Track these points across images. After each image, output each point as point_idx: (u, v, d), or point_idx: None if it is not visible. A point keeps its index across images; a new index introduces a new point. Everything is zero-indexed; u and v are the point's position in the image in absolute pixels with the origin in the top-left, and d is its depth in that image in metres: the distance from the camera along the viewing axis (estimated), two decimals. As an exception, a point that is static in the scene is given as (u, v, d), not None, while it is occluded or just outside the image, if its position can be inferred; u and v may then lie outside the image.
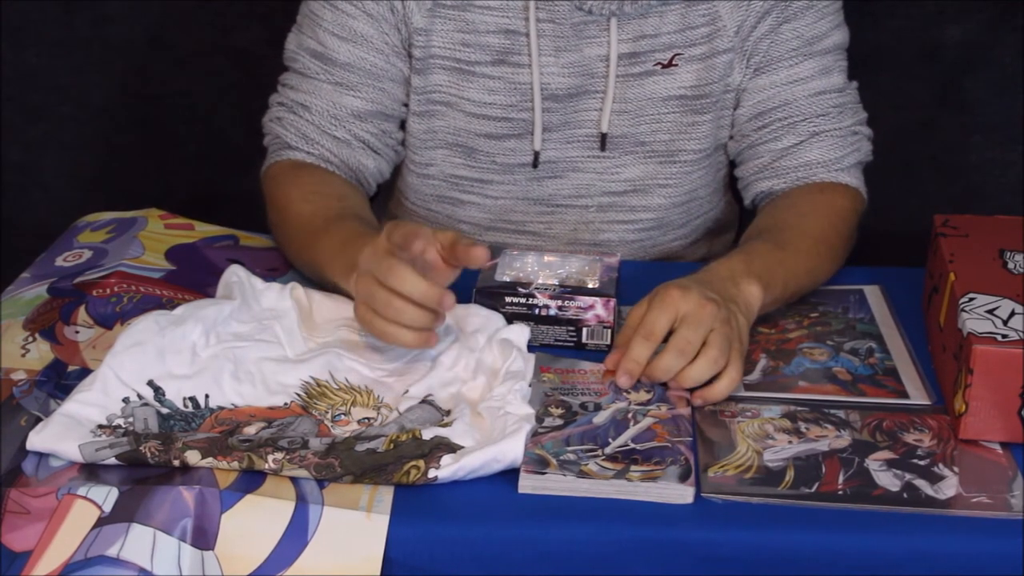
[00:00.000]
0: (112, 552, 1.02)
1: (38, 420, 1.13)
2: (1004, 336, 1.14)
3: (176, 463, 1.08)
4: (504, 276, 1.33)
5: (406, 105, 1.52)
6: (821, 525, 1.05)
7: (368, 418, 1.17)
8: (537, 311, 1.29)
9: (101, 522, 1.03)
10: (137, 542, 1.03)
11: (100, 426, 1.12)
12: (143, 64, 2.24)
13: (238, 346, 1.22)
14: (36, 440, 1.09)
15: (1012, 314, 1.17)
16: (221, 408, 1.17)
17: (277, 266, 1.43)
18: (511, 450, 1.09)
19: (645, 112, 1.50)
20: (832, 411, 1.20)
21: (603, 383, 1.22)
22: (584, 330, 1.29)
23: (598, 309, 1.29)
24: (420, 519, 1.05)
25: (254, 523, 1.04)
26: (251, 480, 1.07)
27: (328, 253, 1.31)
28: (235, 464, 1.08)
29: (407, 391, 1.20)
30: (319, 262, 1.33)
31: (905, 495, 1.08)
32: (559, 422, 1.16)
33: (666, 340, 1.20)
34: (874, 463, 1.12)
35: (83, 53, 2.23)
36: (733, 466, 1.11)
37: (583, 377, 1.23)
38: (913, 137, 2.20)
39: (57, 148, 2.30)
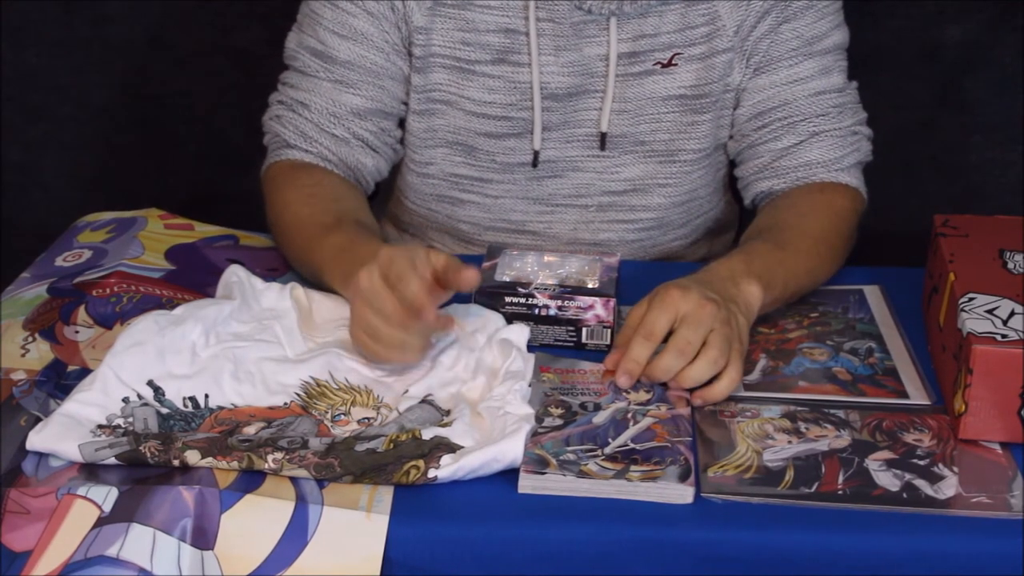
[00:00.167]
0: (112, 552, 1.02)
1: (38, 420, 1.13)
2: (1004, 336, 1.14)
3: (176, 463, 1.08)
4: (504, 276, 1.33)
5: (406, 104, 1.52)
6: (821, 525, 1.05)
7: (368, 418, 1.17)
8: (537, 311, 1.29)
9: (101, 522, 1.03)
10: (137, 542, 1.03)
11: (100, 426, 1.12)
12: (143, 64, 2.24)
13: (238, 346, 1.22)
14: (36, 440, 1.09)
15: (1012, 314, 1.17)
16: (221, 408, 1.17)
17: (277, 266, 1.43)
18: (511, 450, 1.09)
19: (645, 112, 1.50)
20: (832, 411, 1.20)
21: (603, 383, 1.22)
22: (584, 330, 1.29)
23: (598, 309, 1.29)
24: (420, 519, 1.05)
25: (254, 523, 1.04)
26: (251, 480, 1.07)
27: (326, 260, 1.31)
28: (235, 464, 1.08)
29: (407, 391, 1.20)
30: (317, 267, 1.33)
31: (905, 495, 1.08)
32: (559, 422, 1.16)
33: (666, 340, 1.20)
34: (874, 463, 1.12)
35: (83, 53, 2.23)
36: (733, 466, 1.11)
37: (583, 377, 1.23)
38: (913, 137, 2.20)
39: (57, 148, 2.30)
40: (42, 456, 1.10)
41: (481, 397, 1.18)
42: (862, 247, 1.49)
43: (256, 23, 2.18)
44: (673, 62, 1.49)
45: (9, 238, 2.27)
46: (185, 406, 1.16)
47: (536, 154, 1.51)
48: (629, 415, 1.17)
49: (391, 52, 1.48)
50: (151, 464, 1.08)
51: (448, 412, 1.17)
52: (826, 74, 1.50)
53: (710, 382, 1.20)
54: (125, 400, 1.15)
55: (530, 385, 1.20)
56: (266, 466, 1.08)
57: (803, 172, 1.49)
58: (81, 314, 1.30)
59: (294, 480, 1.08)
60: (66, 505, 1.04)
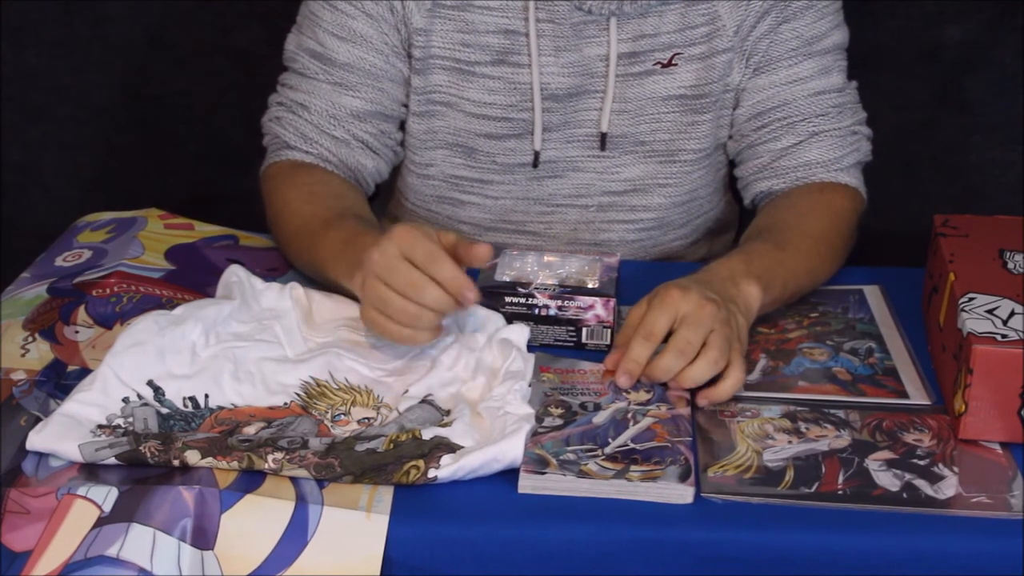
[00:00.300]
0: (112, 552, 1.02)
1: (38, 420, 1.13)
2: (1004, 336, 1.14)
3: (176, 463, 1.08)
4: (504, 276, 1.33)
5: (405, 105, 1.52)
6: (821, 525, 1.05)
7: (368, 418, 1.17)
8: (537, 311, 1.29)
9: (101, 522, 1.03)
10: (137, 542, 1.03)
11: (100, 426, 1.12)
12: (143, 64, 2.24)
13: (238, 346, 1.22)
14: (36, 440, 1.09)
15: (1012, 314, 1.17)
16: (221, 408, 1.17)
17: (277, 266, 1.43)
18: (511, 450, 1.09)
19: (645, 112, 1.50)
20: (832, 411, 1.20)
21: (603, 383, 1.22)
22: (584, 330, 1.29)
23: (598, 309, 1.29)
24: (420, 519, 1.05)
25: (254, 523, 1.04)
26: (251, 480, 1.07)
27: (329, 253, 1.31)
28: (235, 464, 1.08)
29: (407, 391, 1.20)
30: (320, 262, 1.33)
31: (905, 495, 1.08)
32: (559, 422, 1.16)
33: (666, 340, 1.20)
34: (874, 463, 1.12)
35: (83, 53, 2.23)
36: (733, 466, 1.11)
37: (583, 377, 1.23)
38: (913, 137, 2.20)
39: (57, 148, 2.30)
40: (42, 456, 1.10)
41: (481, 397, 1.18)
42: (862, 247, 1.49)
43: (256, 23, 2.18)
44: (673, 62, 1.49)
45: (9, 238, 2.27)
46: (185, 406, 1.16)
47: (536, 155, 1.51)
48: (629, 415, 1.17)
49: (390, 54, 1.48)
50: (151, 464, 1.08)
51: (448, 412, 1.17)
52: (826, 74, 1.50)
53: (713, 382, 1.20)
54: (125, 400, 1.15)
55: (530, 385, 1.20)
56: (266, 466, 1.08)
57: (803, 172, 1.49)
58: (81, 314, 1.30)
59: (294, 480, 1.08)
60: (66, 505, 1.04)
